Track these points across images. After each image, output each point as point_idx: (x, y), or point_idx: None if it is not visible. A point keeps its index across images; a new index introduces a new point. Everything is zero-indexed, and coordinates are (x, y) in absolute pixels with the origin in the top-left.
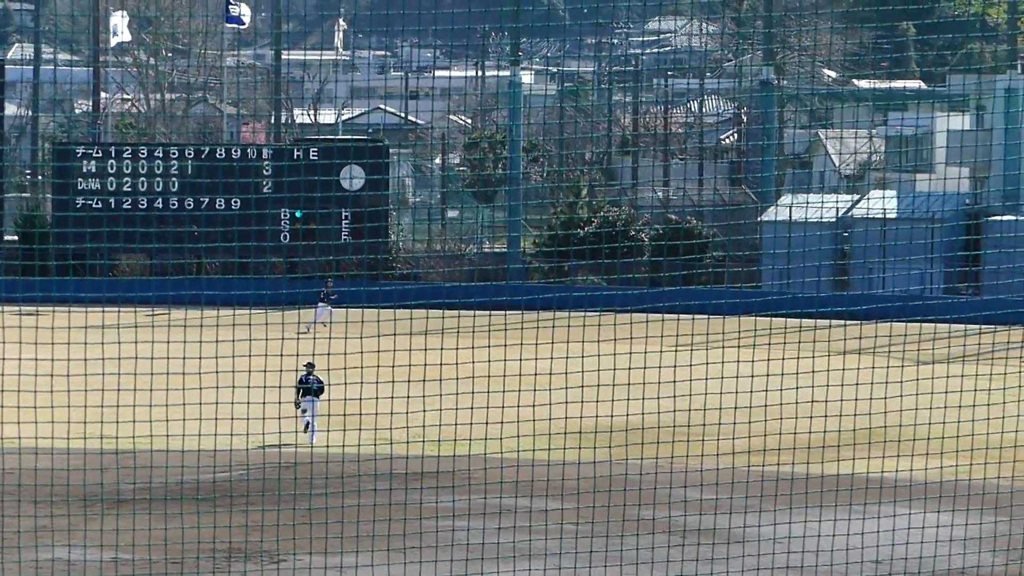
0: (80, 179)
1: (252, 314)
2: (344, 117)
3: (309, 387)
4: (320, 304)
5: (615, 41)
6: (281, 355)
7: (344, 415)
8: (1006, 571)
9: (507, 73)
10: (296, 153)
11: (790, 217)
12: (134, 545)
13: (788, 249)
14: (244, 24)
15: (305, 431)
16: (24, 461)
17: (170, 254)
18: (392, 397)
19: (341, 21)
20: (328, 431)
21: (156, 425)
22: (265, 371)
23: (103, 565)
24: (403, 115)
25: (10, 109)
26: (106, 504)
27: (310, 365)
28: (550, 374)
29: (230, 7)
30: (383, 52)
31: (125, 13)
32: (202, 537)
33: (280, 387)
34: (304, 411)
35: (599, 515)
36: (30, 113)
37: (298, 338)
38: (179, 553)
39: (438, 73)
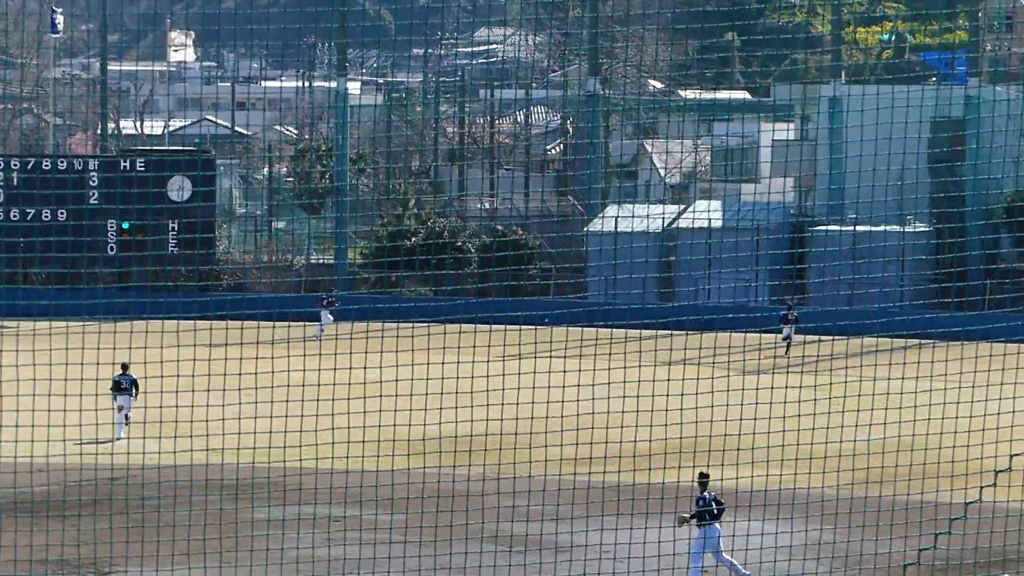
0: None
1: (68, 325)
2: (171, 128)
3: (120, 384)
4: (323, 311)
5: (441, 52)
6: (105, 363)
7: (161, 423)
8: None
9: (334, 84)
10: (123, 164)
11: (616, 227)
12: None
13: (614, 259)
14: (59, 32)
15: (122, 426)
16: None
17: None
18: (218, 405)
19: (169, 32)
20: (158, 438)
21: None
22: (92, 379)
23: None
24: (230, 126)
25: None
26: None
27: (124, 365)
28: (371, 383)
29: (54, 17)
30: (210, 63)
31: None
32: (33, 550)
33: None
34: (120, 408)
35: (426, 525)
36: None
37: (131, 348)
38: (9, 566)
39: (265, 84)
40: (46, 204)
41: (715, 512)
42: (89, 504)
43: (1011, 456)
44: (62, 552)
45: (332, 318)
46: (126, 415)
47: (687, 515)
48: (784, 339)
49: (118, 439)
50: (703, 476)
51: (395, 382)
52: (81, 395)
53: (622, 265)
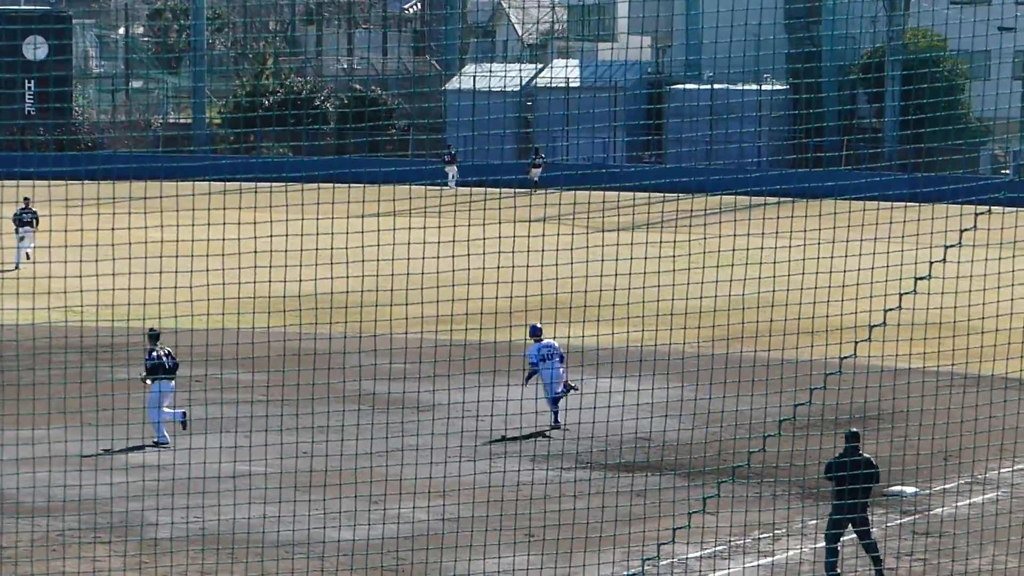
0: None
1: None
2: None
3: (23, 219)
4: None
5: None
6: None
7: (17, 280)
8: (679, 435)
9: None
10: None
11: (474, 87)
12: None
13: (472, 118)
14: None
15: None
16: None
17: None
18: (82, 270)
19: None
20: (16, 294)
21: None
22: None
23: None
24: None
25: None
26: None
27: (27, 199)
28: (229, 241)
29: None
30: None
31: None
32: None
33: None
34: (21, 239)
35: (288, 384)
36: None
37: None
38: None
39: None
40: None
41: (168, 367)
42: None
43: (885, 311)
44: None
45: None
46: (28, 248)
47: (142, 375)
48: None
49: (16, 267)
50: (152, 331)
51: (253, 240)
52: None
53: (480, 124)
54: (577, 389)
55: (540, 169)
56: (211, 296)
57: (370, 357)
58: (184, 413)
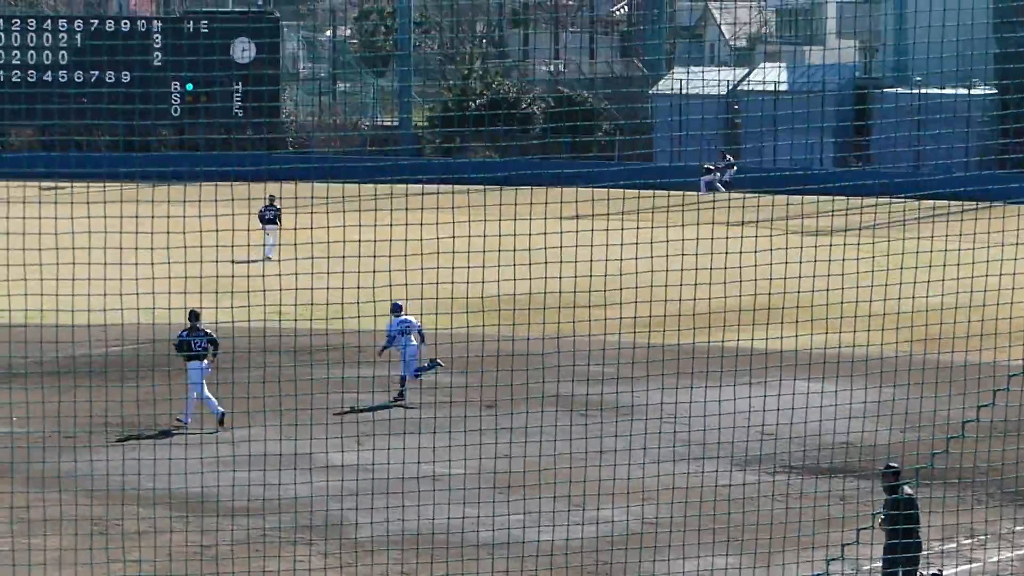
0: None
1: (140, 188)
2: None
3: (264, 216)
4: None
5: None
6: (179, 229)
7: (205, 278)
8: (876, 437)
9: None
10: (187, 25)
11: (681, 90)
12: (28, 418)
13: (680, 119)
14: None
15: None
16: None
17: (58, 128)
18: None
19: None
20: (214, 293)
21: (48, 299)
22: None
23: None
24: None
25: None
26: None
27: (272, 197)
28: (427, 240)
29: None
30: None
31: None
32: (95, 411)
33: (168, 263)
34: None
35: (488, 385)
36: None
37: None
38: (72, 427)
39: None
40: (110, 66)
41: (195, 347)
42: (151, 365)
43: None
44: (136, 415)
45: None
46: (270, 247)
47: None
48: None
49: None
50: (193, 312)
51: (452, 240)
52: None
53: (687, 127)
54: (442, 365)
55: (713, 175)
56: (410, 296)
57: (571, 359)
58: (223, 413)
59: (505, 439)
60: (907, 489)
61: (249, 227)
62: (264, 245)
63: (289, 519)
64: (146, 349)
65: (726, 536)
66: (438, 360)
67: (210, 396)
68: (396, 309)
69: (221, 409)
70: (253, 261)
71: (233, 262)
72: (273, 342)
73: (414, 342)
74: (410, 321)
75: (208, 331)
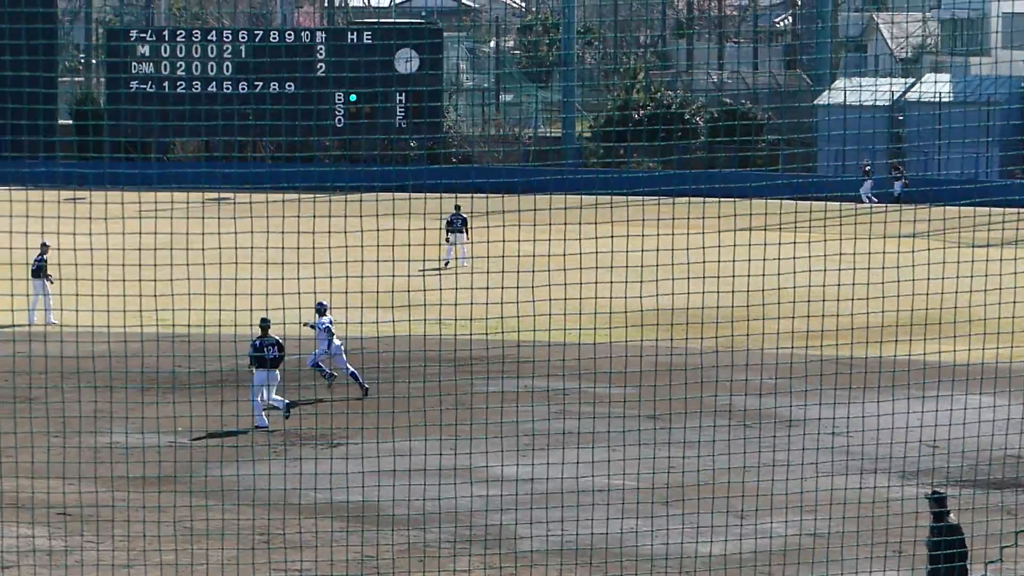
0: (134, 63)
1: (302, 198)
2: (397, 0)
3: (452, 224)
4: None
5: None
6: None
7: (376, 293)
8: None
9: None
10: (350, 36)
11: (845, 101)
12: (191, 429)
13: (844, 131)
14: None
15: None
16: (82, 346)
17: (224, 137)
18: (447, 286)
19: None
20: (389, 308)
21: (211, 309)
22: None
23: (161, 449)
24: None
25: None
26: (163, 388)
27: (458, 207)
28: (586, 253)
29: None
30: None
31: None
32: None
33: (329, 267)
34: (453, 244)
35: (654, 398)
36: None
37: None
38: (236, 436)
39: None
40: (274, 76)
41: (269, 358)
42: (311, 376)
43: None
44: (298, 425)
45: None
46: (463, 256)
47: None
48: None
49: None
50: (264, 321)
51: (608, 252)
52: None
53: (851, 139)
54: (336, 376)
55: (872, 181)
56: (580, 311)
57: (736, 372)
58: (288, 405)
59: (668, 451)
60: (952, 517)
61: (421, 238)
62: (457, 257)
63: (452, 530)
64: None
65: (892, 550)
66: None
67: (277, 397)
68: (323, 309)
69: (286, 401)
70: (415, 275)
71: (394, 275)
72: (436, 353)
73: (337, 341)
74: (330, 323)
75: (278, 339)
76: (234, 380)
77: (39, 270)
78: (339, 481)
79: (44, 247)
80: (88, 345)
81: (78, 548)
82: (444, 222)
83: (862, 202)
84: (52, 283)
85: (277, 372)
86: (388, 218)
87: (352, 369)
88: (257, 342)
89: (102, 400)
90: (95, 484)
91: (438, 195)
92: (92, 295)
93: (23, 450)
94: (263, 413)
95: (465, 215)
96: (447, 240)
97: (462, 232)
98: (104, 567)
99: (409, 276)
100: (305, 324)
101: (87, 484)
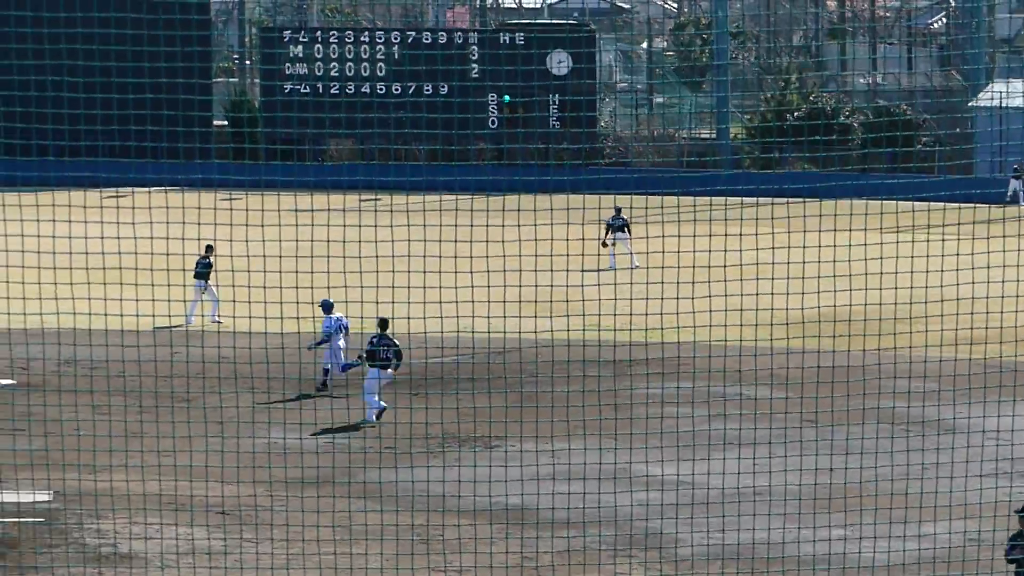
0: (287, 64)
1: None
2: (550, 2)
3: (613, 225)
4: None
5: None
6: (498, 241)
7: (535, 300)
8: None
9: None
10: (503, 38)
11: (1001, 102)
12: (349, 430)
13: (1001, 131)
14: None
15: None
16: (240, 347)
17: (378, 139)
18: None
19: None
20: (549, 317)
21: (369, 308)
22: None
23: (319, 448)
24: (609, 0)
25: None
26: (317, 390)
27: (618, 209)
28: (759, 263)
29: None
30: None
31: None
32: (416, 422)
33: (487, 272)
34: (614, 244)
35: (815, 404)
36: None
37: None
38: (394, 438)
39: None
40: (428, 78)
41: (382, 357)
42: (475, 379)
43: None
44: (456, 428)
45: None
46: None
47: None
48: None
49: (609, 269)
50: (382, 320)
51: (769, 255)
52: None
53: (1008, 140)
54: (363, 358)
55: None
56: (729, 307)
57: (892, 375)
58: (383, 408)
59: (826, 453)
60: None
61: (577, 240)
62: (619, 255)
63: (610, 533)
64: (465, 360)
65: None
66: (360, 356)
67: (373, 398)
68: (328, 307)
69: (384, 404)
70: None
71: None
72: (595, 357)
73: (341, 342)
74: (342, 319)
75: (396, 341)
76: (392, 381)
77: (203, 272)
78: (498, 484)
79: (209, 249)
80: (244, 344)
81: (237, 549)
82: (604, 224)
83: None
84: (205, 289)
85: (390, 372)
86: (544, 220)
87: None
88: (374, 339)
89: (260, 401)
90: (254, 486)
91: (589, 195)
92: (249, 301)
93: (182, 451)
94: (374, 410)
95: (625, 217)
96: (608, 242)
97: (624, 233)
98: (263, 568)
99: (565, 279)
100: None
101: (246, 486)
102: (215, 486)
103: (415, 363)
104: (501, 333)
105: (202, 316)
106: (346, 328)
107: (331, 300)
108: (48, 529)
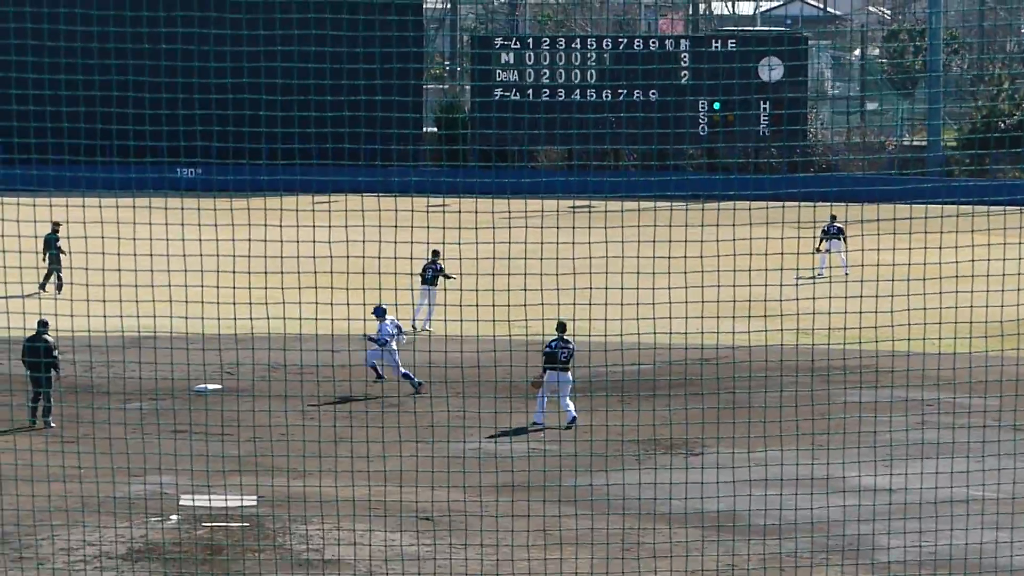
0: (498, 70)
1: (660, 206)
2: (762, 8)
3: (828, 232)
4: None
5: None
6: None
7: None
8: None
9: None
10: (714, 44)
11: None
12: (560, 437)
13: None
14: None
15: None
16: (450, 353)
17: (587, 143)
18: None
19: None
20: (746, 318)
21: (581, 313)
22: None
23: (530, 452)
24: (821, 6)
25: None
26: (519, 396)
27: (834, 217)
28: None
29: None
30: None
31: None
32: (619, 426)
33: (702, 272)
34: (827, 251)
35: (1016, 409)
36: (449, 4)
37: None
38: (603, 445)
39: None
40: (637, 85)
41: (561, 358)
42: (680, 385)
43: None
44: (654, 432)
45: None
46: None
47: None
48: None
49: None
50: (560, 323)
51: (968, 262)
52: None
53: None
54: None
55: None
56: (940, 321)
57: None
58: (574, 418)
59: None
60: None
61: (781, 246)
62: (832, 267)
63: (813, 540)
64: (675, 367)
65: None
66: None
67: (570, 403)
68: (381, 313)
69: (575, 415)
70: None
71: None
72: (796, 363)
73: (394, 344)
74: (396, 322)
75: (572, 343)
76: (602, 388)
77: (432, 277)
78: (701, 489)
79: (435, 254)
80: (456, 352)
81: (441, 555)
82: (820, 231)
83: None
84: (428, 293)
85: (568, 374)
86: (751, 226)
87: (403, 370)
88: (552, 343)
89: (471, 407)
90: (462, 491)
91: (804, 204)
92: (460, 305)
93: (390, 457)
94: (543, 411)
95: (841, 224)
96: (820, 249)
97: (839, 240)
98: (468, 574)
99: (770, 285)
100: (367, 337)
101: (451, 491)
102: (421, 491)
103: (625, 368)
104: (711, 335)
105: (427, 319)
106: (399, 329)
107: (384, 306)
108: (254, 534)
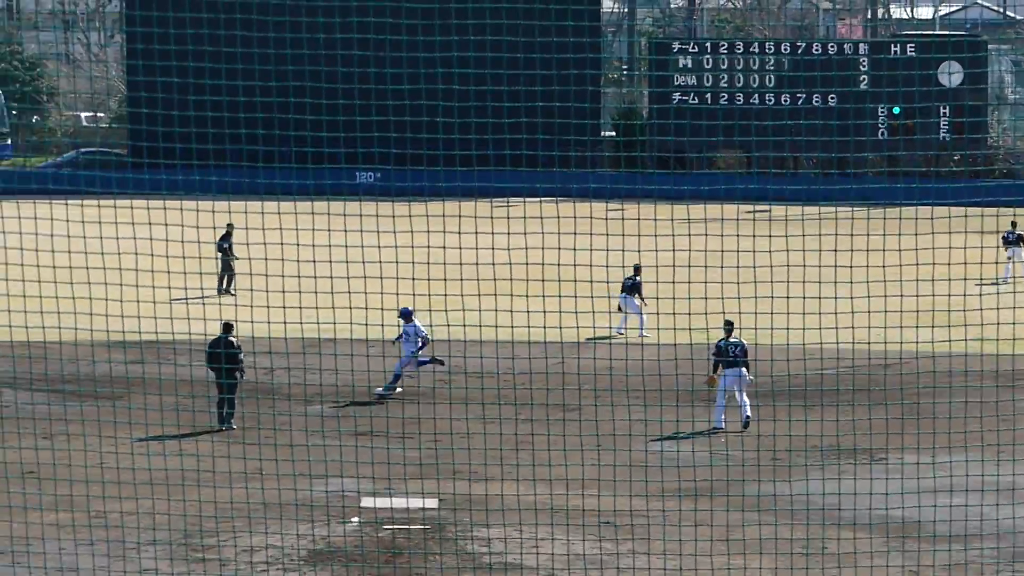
0: (677, 74)
1: (837, 212)
2: (941, 12)
3: (1008, 238)
4: None
5: None
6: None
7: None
8: None
9: None
10: (893, 48)
11: None
12: (742, 443)
13: None
14: None
15: None
16: (631, 358)
17: (766, 149)
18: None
19: None
20: (930, 327)
21: (763, 319)
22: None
23: (712, 457)
24: (1001, 11)
25: (607, 3)
26: (701, 400)
27: (1014, 224)
28: None
29: None
30: None
31: None
32: (801, 434)
33: (884, 281)
34: (1009, 258)
35: None
36: (626, 8)
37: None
38: (785, 451)
39: None
40: (816, 89)
41: (732, 355)
42: (863, 391)
43: None
44: (837, 438)
45: None
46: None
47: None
48: None
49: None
50: (728, 324)
51: None
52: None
53: None
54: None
55: None
56: None
57: None
58: (748, 418)
59: None
60: None
61: (966, 253)
62: (1016, 276)
63: (995, 546)
64: (857, 371)
65: None
66: (435, 358)
67: (745, 401)
68: (407, 315)
69: (749, 414)
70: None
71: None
72: (980, 370)
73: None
74: (417, 326)
75: (743, 341)
76: (785, 391)
77: (632, 288)
78: (884, 497)
79: (636, 269)
80: (637, 359)
81: (623, 557)
82: (1000, 238)
83: None
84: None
85: (744, 371)
86: (933, 234)
87: (399, 371)
88: (721, 343)
89: (652, 417)
90: (643, 497)
91: (989, 211)
92: (641, 313)
93: (571, 462)
94: (723, 416)
95: (1022, 231)
96: (1006, 257)
97: (1019, 248)
98: None
99: (953, 293)
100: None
101: (631, 495)
102: (602, 496)
103: (808, 374)
104: (894, 342)
105: (639, 327)
106: (421, 334)
107: (411, 308)
108: (435, 537)
